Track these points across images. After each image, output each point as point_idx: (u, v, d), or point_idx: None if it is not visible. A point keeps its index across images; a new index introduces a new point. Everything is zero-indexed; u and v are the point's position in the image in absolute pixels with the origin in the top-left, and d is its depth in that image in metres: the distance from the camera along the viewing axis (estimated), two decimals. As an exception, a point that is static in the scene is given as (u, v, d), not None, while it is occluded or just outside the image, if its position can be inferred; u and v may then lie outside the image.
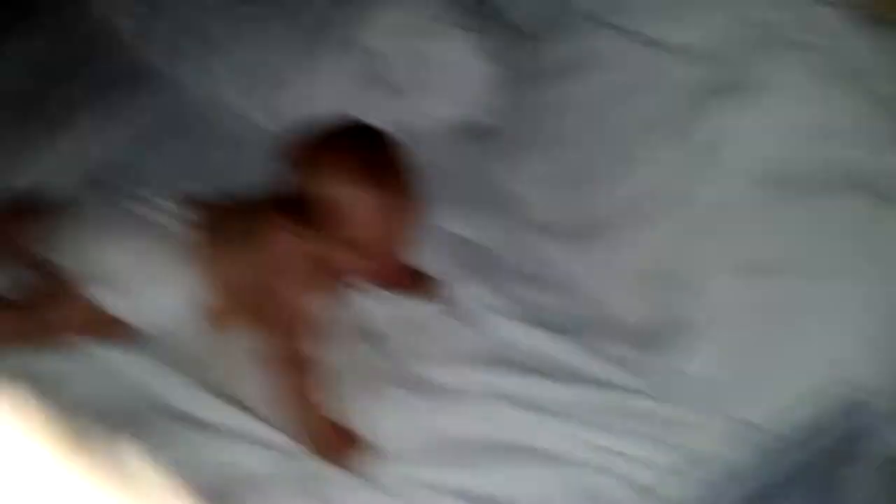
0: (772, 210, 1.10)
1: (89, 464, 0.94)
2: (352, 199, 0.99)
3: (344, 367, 1.05)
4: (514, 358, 1.10)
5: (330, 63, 1.40)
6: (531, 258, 1.23)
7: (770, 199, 1.10)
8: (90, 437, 0.95)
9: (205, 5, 1.51)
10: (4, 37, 1.52)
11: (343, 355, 1.06)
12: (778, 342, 1.05)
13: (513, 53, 1.41)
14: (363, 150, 1.02)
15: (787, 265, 1.08)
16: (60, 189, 1.20)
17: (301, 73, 1.40)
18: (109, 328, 1.04)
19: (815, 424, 1.01)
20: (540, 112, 1.33)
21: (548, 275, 1.21)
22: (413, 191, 1.02)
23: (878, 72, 1.11)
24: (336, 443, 0.99)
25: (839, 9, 1.14)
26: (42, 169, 1.28)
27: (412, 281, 1.16)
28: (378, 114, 1.09)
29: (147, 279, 1.04)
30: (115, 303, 1.02)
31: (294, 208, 1.01)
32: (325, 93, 1.37)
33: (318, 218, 1.00)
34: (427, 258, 1.17)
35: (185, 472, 0.95)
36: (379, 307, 1.14)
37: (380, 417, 1.02)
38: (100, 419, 0.97)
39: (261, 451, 0.98)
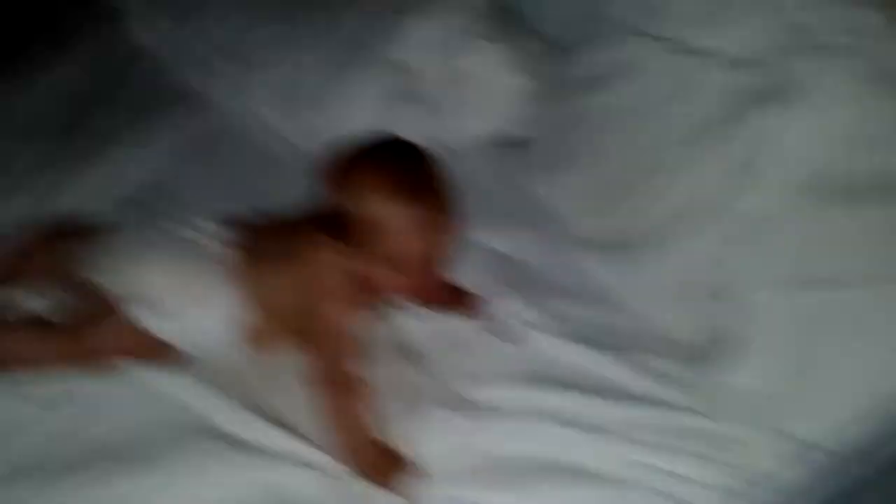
0: (816, 219, 1.08)
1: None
2: (390, 215, 0.99)
3: (386, 387, 1.04)
4: (556, 375, 1.08)
5: (364, 81, 1.41)
6: (571, 273, 1.22)
7: (814, 208, 1.09)
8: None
9: (239, 27, 1.53)
10: (44, 63, 1.55)
11: (384, 374, 1.05)
12: (830, 355, 1.02)
13: (546, 65, 1.41)
14: (400, 165, 1.02)
15: (835, 275, 1.06)
16: (102, 212, 1.22)
17: (335, 92, 1.41)
18: (152, 350, 1.04)
19: (872, 440, 0.98)
20: (575, 123, 1.32)
21: (589, 289, 1.19)
22: (451, 206, 1.02)
23: (921, 76, 1.09)
24: (382, 464, 0.98)
25: (880, 11, 1.12)
26: (83, 192, 1.30)
27: (452, 297, 1.16)
28: (413, 130, 1.09)
29: (189, 300, 1.04)
30: (157, 324, 1.03)
31: (332, 226, 1.01)
32: (359, 110, 1.38)
33: (357, 235, 1.00)
34: (466, 274, 1.16)
35: (230, 493, 0.95)
36: (419, 325, 1.13)
37: (423, 438, 1.01)
38: (143, 440, 0.98)
39: (305, 472, 0.97)
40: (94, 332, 1.04)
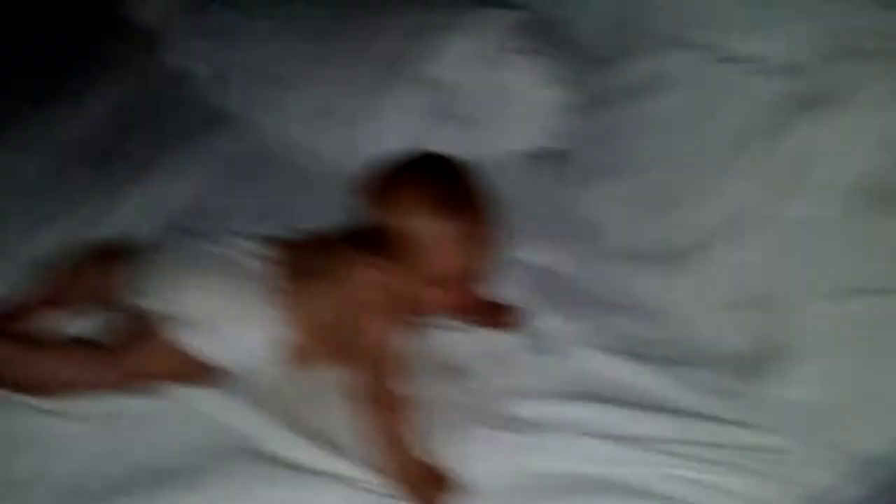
0: (865, 225, 1.06)
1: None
2: (430, 230, 0.99)
3: (429, 404, 1.03)
4: (599, 389, 1.06)
5: (401, 98, 1.41)
6: (614, 286, 1.20)
7: (862, 215, 1.06)
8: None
9: (274, 48, 1.54)
10: (86, 88, 1.58)
11: (427, 392, 1.04)
12: (886, 365, 1.00)
13: (583, 77, 1.40)
14: (439, 180, 1.02)
15: (887, 282, 1.03)
16: (144, 234, 1.24)
17: (371, 110, 1.42)
18: (195, 371, 1.04)
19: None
20: (615, 135, 1.31)
21: (633, 302, 1.17)
22: (491, 220, 1.01)
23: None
24: (426, 484, 0.96)
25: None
26: (126, 215, 1.32)
27: (494, 313, 1.15)
28: (450, 146, 1.09)
29: (232, 319, 1.04)
30: (200, 345, 1.03)
31: (372, 243, 1.01)
32: (397, 128, 1.38)
33: (397, 251, 1.00)
34: (507, 289, 1.15)
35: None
36: (461, 341, 1.12)
37: (467, 455, 0.99)
38: (185, 461, 0.98)
39: (349, 491, 0.96)
40: (137, 355, 1.05)
